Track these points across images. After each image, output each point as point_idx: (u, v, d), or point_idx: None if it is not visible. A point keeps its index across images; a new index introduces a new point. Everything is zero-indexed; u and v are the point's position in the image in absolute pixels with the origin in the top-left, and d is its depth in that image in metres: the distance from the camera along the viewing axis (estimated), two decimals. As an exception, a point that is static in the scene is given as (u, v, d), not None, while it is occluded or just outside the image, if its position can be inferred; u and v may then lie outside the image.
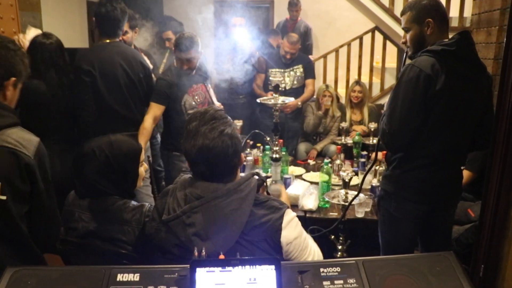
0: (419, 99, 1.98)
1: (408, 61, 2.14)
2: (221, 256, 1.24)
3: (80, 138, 2.87)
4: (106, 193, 1.78)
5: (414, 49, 2.13)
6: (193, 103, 3.27)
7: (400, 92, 2.02)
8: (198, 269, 1.06)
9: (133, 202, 1.81)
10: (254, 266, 1.07)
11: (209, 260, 1.14)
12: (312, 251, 1.55)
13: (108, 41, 2.90)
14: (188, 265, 1.09)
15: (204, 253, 1.32)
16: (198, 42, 3.15)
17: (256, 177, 1.55)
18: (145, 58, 3.29)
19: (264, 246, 1.44)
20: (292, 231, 1.47)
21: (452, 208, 2.29)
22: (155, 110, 3.09)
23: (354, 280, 1.05)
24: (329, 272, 1.09)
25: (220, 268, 1.06)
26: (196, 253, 1.32)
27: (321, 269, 1.10)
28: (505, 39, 1.61)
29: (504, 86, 1.61)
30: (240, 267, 1.06)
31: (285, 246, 1.46)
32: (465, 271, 1.09)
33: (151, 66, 3.34)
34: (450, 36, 2.09)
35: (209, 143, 1.42)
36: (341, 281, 1.05)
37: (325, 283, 1.05)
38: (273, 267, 1.06)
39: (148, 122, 3.03)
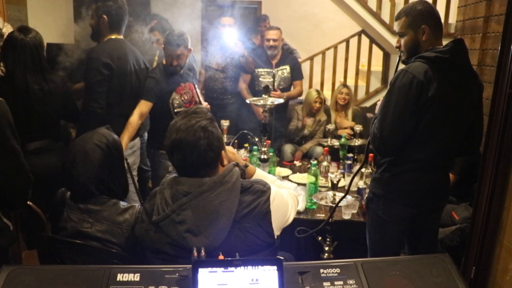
0: (411, 105, 2.02)
1: (401, 66, 2.18)
2: (221, 257, 1.25)
3: (59, 137, 2.87)
4: (101, 191, 1.77)
5: (408, 54, 2.17)
6: (181, 101, 3.28)
7: (393, 97, 2.05)
8: (200, 270, 1.07)
9: (123, 203, 1.81)
10: (256, 266, 1.08)
11: (212, 261, 1.15)
12: (290, 206, 1.65)
13: (115, 37, 2.91)
14: (189, 265, 1.10)
15: (203, 253, 1.32)
16: (188, 39, 3.17)
17: (237, 168, 1.59)
18: None
19: (257, 231, 1.49)
20: (278, 209, 1.55)
21: (439, 211, 2.34)
22: (142, 107, 3.09)
23: (354, 281, 1.07)
24: (329, 273, 1.12)
25: (222, 269, 1.07)
26: (195, 253, 1.32)
27: (321, 270, 1.12)
28: (499, 46, 1.66)
29: (497, 92, 1.66)
30: (242, 267, 1.08)
31: (276, 228, 1.53)
32: (460, 273, 1.13)
33: None
34: (444, 43, 2.13)
35: (181, 135, 1.46)
36: (341, 282, 1.07)
37: (325, 283, 1.08)
38: (275, 267, 1.07)
39: (134, 118, 3.02)
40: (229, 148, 1.85)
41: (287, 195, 1.69)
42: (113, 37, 2.91)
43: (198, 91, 3.45)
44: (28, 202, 2.15)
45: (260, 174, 1.90)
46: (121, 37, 2.96)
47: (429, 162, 2.13)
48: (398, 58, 2.28)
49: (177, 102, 3.27)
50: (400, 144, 2.09)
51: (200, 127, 1.47)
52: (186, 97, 3.31)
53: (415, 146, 2.11)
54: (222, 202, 1.45)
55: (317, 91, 4.62)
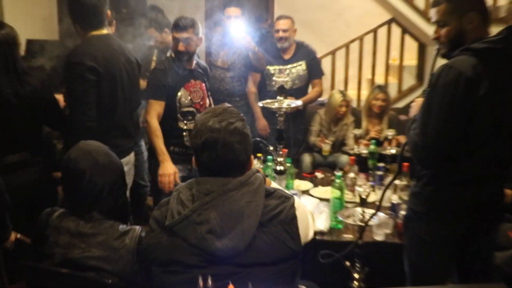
0: (459, 107, 1.97)
1: (440, 61, 2.14)
2: (230, 286, 1.24)
3: (43, 148, 2.85)
4: (101, 211, 1.77)
5: (450, 46, 2.11)
6: (189, 99, 3.32)
7: (436, 98, 2.00)
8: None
9: (122, 225, 1.80)
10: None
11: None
12: (311, 219, 1.77)
13: (97, 33, 2.85)
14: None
15: (210, 282, 1.32)
16: (199, 25, 3.24)
17: (259, 173, 1.70)
18: None
19: (284, 236, 1.58)
20: (302, 218, 1.65)
21: (493, 232, 2.28)
22: (156, 108, 3.20)
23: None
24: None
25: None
26: (201, 283, 1.32)
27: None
28: None
29: None
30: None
31: (303, 236, 1.63)
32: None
33: None
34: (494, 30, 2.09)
35: (216, 135, 1.58)
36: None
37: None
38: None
39: (153, 122, 3.15)
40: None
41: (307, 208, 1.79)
42: (94, 33, 2.84)
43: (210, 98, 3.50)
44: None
45: (274, 185, 1.95)
46: (104, 31, 2.90)
47: (480, 173, 2.09)
48: (436, 51, 2.23)
49: (185, 100, 3.30)
50: (447, 153, 2.05)
51: (236, 129, 1.60)
52: (196, 97, 3.35)
53: (464, 155, 2.06)
54: (247, 203, 1.55)
55: (341, 92, 4.57)
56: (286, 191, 1.76)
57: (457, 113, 1.98)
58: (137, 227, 1.83)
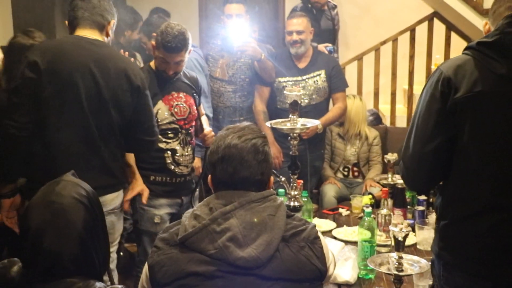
0: (436, 111, 2.11)
1: None
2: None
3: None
4: (78, 266, 1.79)
5: None
6: (170, 114, 3.38)
7: (419, 104, 2.20)
8: None
9: (99, 285, 1.83)
10: None
11: None
12: (331, 253, 1.99)
13: (93, 37, 2.96)
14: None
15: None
16: (189, 37, 3.32)
17: None
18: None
19: (309, 253, 1.82)
20: (326, 246, 1.92)
21: None
22: None
23: None
24: None
25: None
26: None
27: None
28: None
29: None
30: None
31: (327, 258, 1.90)
32: None
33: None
34: None
35: (234, 151, 1.85)
36: None
37: None
38: None
39: None
40: None
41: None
42: (93, 36, 2.96)
43: (203, 112, 3.55)
44: None
45: None
46: (84, 33, 2.98)
47: (500, 201, 2.08)
48: None
49: (164, 115, 3.38)
50: (431, 171, 2.18)
51: (254, 146, 1.88)
52: (179, 112, 3.42)
53: (471, 175, 2.11)
54: (271, 216, 1.82)
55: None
56: None
57: (434, 118, 2.12)
58: (119, 286, 1.88)
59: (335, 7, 5.84)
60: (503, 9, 2.20)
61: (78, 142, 2.88)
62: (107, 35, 3.05)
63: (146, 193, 3.28)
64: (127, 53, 3.68)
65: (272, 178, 2.00)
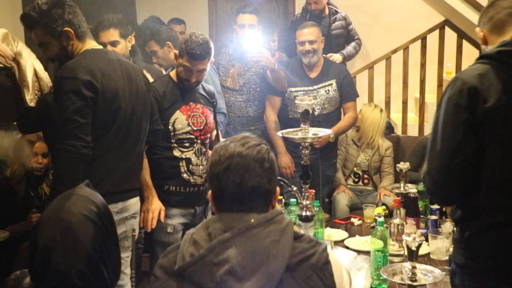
0: (464, 120, 2.08)
1: None
2: None
3: None
4: (86, 282, 1.79)
5: None
6: (187, 124, 3.42)
7: (440, 115, 2.16)
8: None
9: None
10: None
11: None
12: (346, 273, 1.87)
13: (93, 46, 2.97)
14: None
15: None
16: (213, 47, 3.38)
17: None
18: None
19: (316, 283, 1.68)
20: (336, 267, 1.75)
21: None
22: None
23: None
24: None
25: None
26: None
27: None
28: None
29: None
30: None
31: (339, 284, 1.74)
32: None
33: None
34: None
35: (239, 160, 1.72)
36: None
37: None
38: None
39: None
40: None
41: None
42: (90, 47, 2.96)
43: (219, 125, 3.58)
44: None
45: None
46: (97, 45, 3.03)
47: None
48: None
49: (182, 125, 3.41)
50: (461, 182, 2.14)
51: (260, 152, 1.75)
52: (196, 122, 3.46)
53: (494, 185, 2.12)
54: (274, 243, 1.66)
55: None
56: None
57: (462, 128, 2.09)
58: None
59: (335, 13, 5.85)
60: (504, 16, 2.22)
61: (116, 149, 2.97)
62: None
63: (163, 211, 3.36)
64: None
65: (278, 188, 1.85)
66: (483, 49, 2.36)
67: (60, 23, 2.84)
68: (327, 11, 5.84)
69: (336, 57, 5.20)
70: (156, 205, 3.33)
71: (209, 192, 1.81)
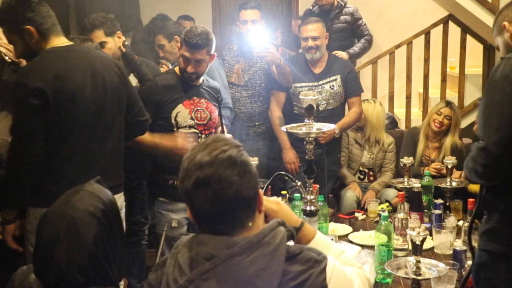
0: None
1: None
2: None
3: None
4: (89, 279, 1.80)
5: None
6: (190, 118, 3.44)
7: (495, 92, 2.18)
8: None
9: None
10: None
11: None
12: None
13: (57, 44, 2.89)
14: None
15: None
16: (213, 40, 3.40)
17: (283, 227, 1.64)
18: None
19: None
20: (339, 283, 1.61)
21: None
22: None
23: None
24: None
25: None
26: None
27: None
28: None
29: None
30: None
31: None
32: None
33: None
34: None
35: (207, 172, 1.54)
36: None
37: None
38: None
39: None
40: (271, 199, 1.90)
41: (352, 274, 1.73)
42: (54, 45, 2.88)
43: (223, 120, 3.59)
44: None
45: (320, 240, 1.88)
46: (64, 41, 2.93)
47: None
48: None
49: (184, 119, 3.43)
50: None
51: (230, 158, 1.57)
52: (199, 117, 3.48)
53: None
54: (259, 271, 1.50)
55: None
56: (328, 250, 1.75)
57: None
58: None
59: (341, 7, 5.82)
60: None
61: (83, 151, 2.89)
62: None
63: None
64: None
65: (261, 191, 1.67)
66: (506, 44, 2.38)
67: (21, 21, 2.79)
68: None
69: (341, 55, 5.18)
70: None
71: (188, 209, 1.65)
